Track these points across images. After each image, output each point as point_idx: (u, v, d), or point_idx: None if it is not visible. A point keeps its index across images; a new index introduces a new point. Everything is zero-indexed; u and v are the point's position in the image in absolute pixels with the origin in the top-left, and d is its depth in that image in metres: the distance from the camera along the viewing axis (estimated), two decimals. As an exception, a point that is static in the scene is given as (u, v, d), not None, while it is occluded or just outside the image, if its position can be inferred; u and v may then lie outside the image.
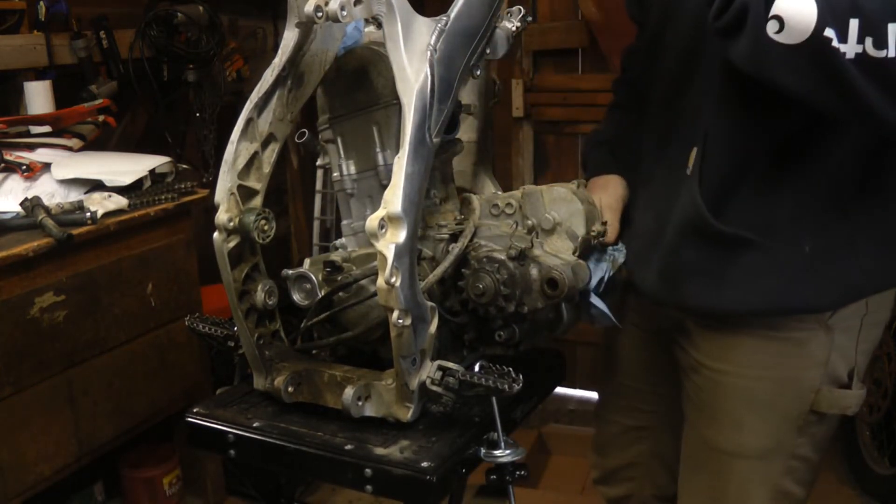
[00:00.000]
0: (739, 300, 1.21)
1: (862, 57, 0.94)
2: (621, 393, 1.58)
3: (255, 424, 1.19)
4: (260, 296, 1.20)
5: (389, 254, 1.01)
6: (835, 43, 0.94)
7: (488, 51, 1.19)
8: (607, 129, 1.55)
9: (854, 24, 0.94)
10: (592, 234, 1.27)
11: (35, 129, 2.25)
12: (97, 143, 2.44)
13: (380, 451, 1.10)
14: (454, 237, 1.24)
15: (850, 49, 0.94)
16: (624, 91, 1.55)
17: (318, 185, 1.54)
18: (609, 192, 1.40)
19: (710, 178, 1.18)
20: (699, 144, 1.20)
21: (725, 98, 1.18)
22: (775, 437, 1.27)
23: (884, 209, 1.20)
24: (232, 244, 1.16)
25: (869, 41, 0.94)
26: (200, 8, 2.70)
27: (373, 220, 1.01)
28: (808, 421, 1.26)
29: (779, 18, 0.95)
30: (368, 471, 1.08)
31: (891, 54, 0.94)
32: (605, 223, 1.31)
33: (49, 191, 2.04)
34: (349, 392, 1.12)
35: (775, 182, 1.18)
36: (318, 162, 1.47)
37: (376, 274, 1.03)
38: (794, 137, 1.16)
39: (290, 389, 1.18)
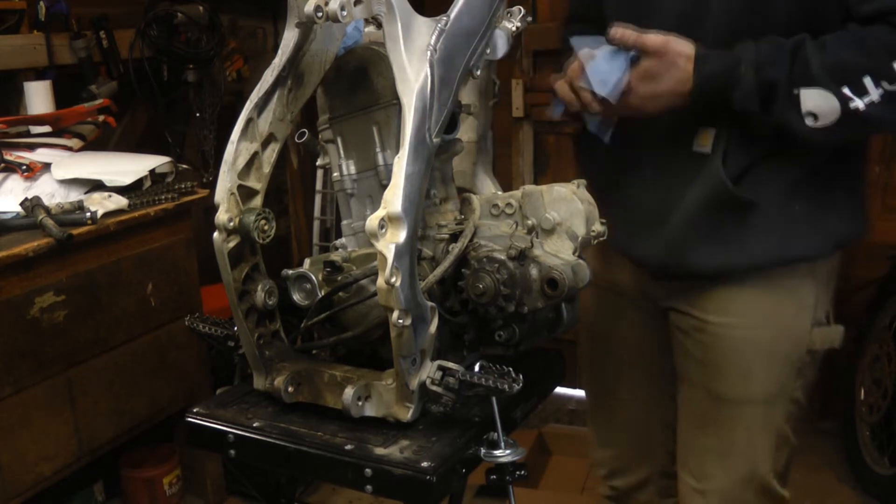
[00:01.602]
0: (746, 257, 1.33)
1: (884, 96, 1.15)
2: (622, 376, 1.61)
3: (255, 424, 1.19)
4: (260, 296, 1.20)
5: (389, 254, 1.01)
6: (855, 104, 1.16)
7: (488, 51, 1.19)
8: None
9: (867, 80, 1.15)
10: (592, 234, 1.26)
11: (35, 129, 2.25)
12: (97, 143, 2.45)
13: (380, 451, 1.10)
14: (454, 237, 1.24)
15: (874, 95, 1.16)
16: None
17: (318, 185, 1.54)
18: None
19: (735, 158, 1.29)
20: (718, 126, 1.29)
21: None
22: (778, 380, 1.40)
23: (853, 173, 1.39)
24: (232, 244, 1.16)
25: (884, 83, 1.15)
26: (200, 8, 2.70)
27: (373, 220, 1.01)
28: (804, 362, 1.40)
29: (812, 114, 1.18)
30: (368, 471, 1.08)
31: None
32: (604, 222, 1.31)
33: (49, 191, 2.04)
34: (349, 392, 1.12)
35: (778, 155, 1.30)
36: (318, 162, 1.47)
37: (376, 274, 1.03)
38: None
39: (290, 389, 1.18)
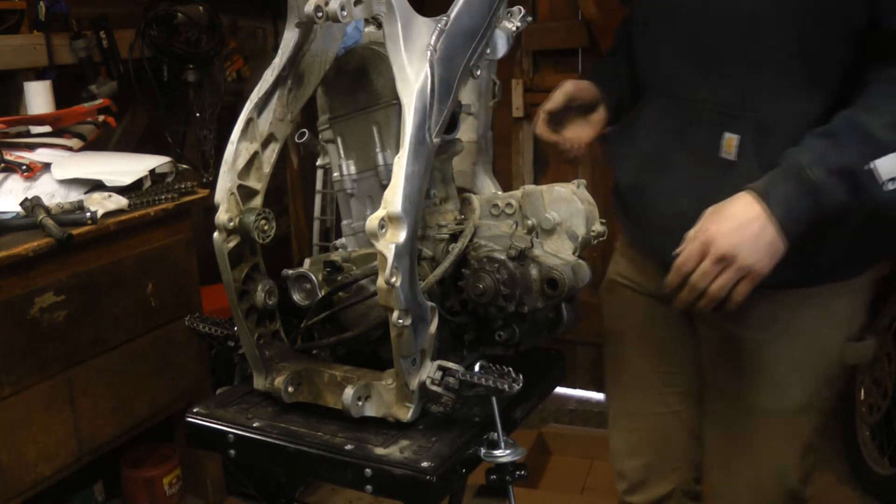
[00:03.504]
0: (787, 276, 1.23)
1: None
2: (651, 382, 1.60)
3: (255, 424, 1.19)
4: (260, 296, 1.20)
5: (389, 254, 1.01)
6: None
7: (488, 51, 1.19)
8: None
9: None
10: (592, 233, 1.26)
11: (35, 129, 2.25)
12: (97, 143, 2.44)
13: (380, 451, 1.10)
14: (454, 237, 1.24)
15: None
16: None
17: (318, 185, 1.54)
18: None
19: (764, 166, 1.22)
20: (743, 132, 1.27)
21: (784, 86, 1.25)
22: (810, 393, 1.40)
23: None
24: (232, 244, 1.16)
25: None
26: (200, 8, 2.70)
27: (373, 220, 1.01)
28: (835, 374, 1.40)
29: (892, 179, 1.13)
30: (368, 471, 1.08)
31: None
32: (604, 222, 1.31)
33: (49, 191, 2.04)
34: (349, 392, 1.12)
35: None
36: (318, 162, 1.47)
37: (376, 274, 1.03)
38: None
39: (290, 389, 1.19)
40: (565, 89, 1.51)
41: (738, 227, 1.15)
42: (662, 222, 1.39)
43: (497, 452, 1.13)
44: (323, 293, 1.25)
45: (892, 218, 1.27)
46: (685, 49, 1.34)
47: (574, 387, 3.21)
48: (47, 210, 1.91)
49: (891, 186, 1.13)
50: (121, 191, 2.11)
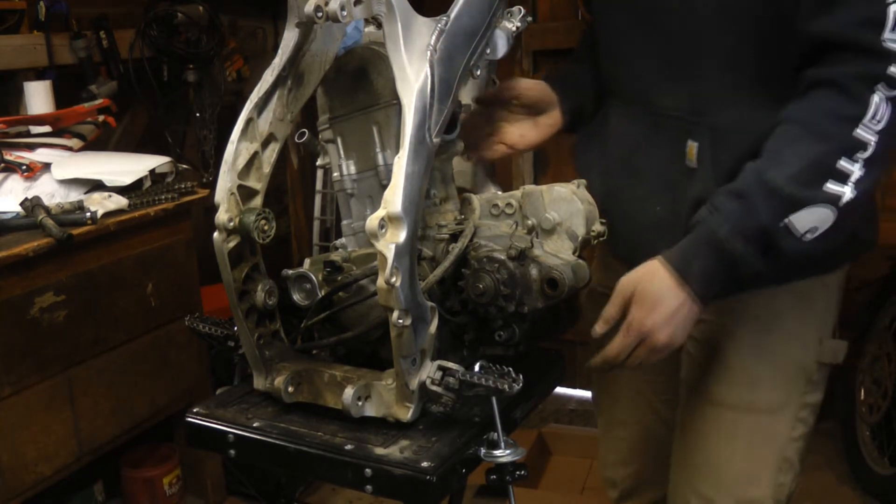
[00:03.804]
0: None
1: (866, 164, 1.08)
2: (636, 388, 1.58)
3: (255, 424, 1.19)
4: (260, 296, 1.20)
5: (389, 254, 1.01)
6: (845, 196, 1.08)
7: (488, 51, 1.19)
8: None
9: (842, 163, 1.08)
10: (592, 233, 1.27)
11: (35, 129, 2.25)
12: (97, 143, 2.45)
13: (380, 451, 1.10)
14: (454, 237, 1.24)
15: (857, 172, 1.08)
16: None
17: (318, 185, 1.54)
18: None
19: (724, 172, 1.21)
20: (701, 139, 1.25)
21: (732, 93, 1.23)
22: (785, 389, 1.33)
23: None
24: (232, 244, 1.16)
25: (859, 154, 1.08)
26: (200, 8, 2.70)
27: (373, 220, 1.01)
28: (813, 373, 1.33)
29: (809, 231, 1.10)
30: (368, 471, 1.08)
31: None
32: (604, 222, 1.31)
33: (49, 191, 2.04)
34: (349, 392, 1.12)
35: None
36: (318, 162, 1.47)
37: (376, 274, 1.03)
38: None
39: (290, 389, 1.18)
40: (507, 83, 1.45)
41: (670, 316, 1.16)
42: (636, 228, 1.37)
43: (497, 452, 1.13)
44: (323, 293, 1.25)
45: (866, 214, 1.27)
46: (647, 56, 1.31)
47: (574, 387, 3.20)
48: (47, 210, 1.91)
49: (809, 237, 1.11)
50: (121, 191, 2.11)
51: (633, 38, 1.32)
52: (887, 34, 1.05)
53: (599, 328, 1.22)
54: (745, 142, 1.20)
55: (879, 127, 1.07)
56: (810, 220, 1.10)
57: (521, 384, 1.08)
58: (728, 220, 1.13)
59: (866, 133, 1.07)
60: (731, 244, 1.12)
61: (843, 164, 1.08)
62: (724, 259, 1.14)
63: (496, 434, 1.14)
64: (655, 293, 1.16)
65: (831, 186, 1.08)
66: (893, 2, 1.05)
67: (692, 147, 1.26)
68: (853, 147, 1.07)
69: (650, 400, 1.58)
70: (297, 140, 1.40)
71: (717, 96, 1.24)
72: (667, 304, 1.16)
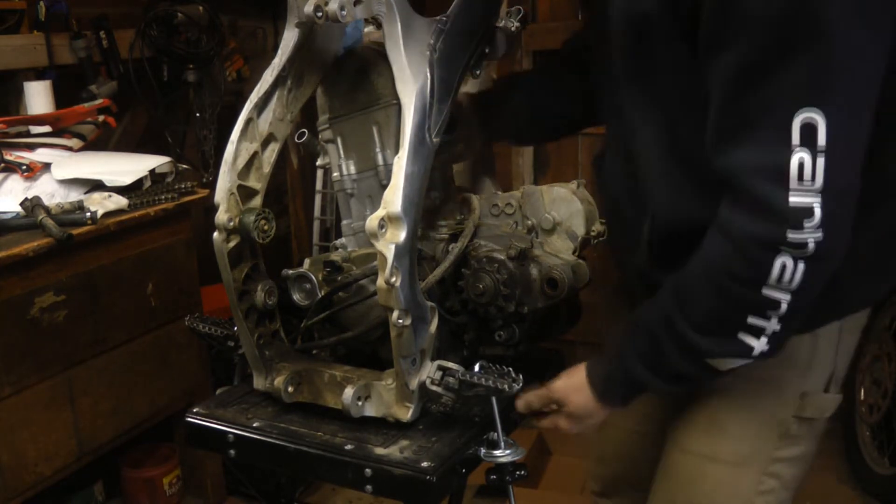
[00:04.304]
0: None
1: (783, 319, 1.03)
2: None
3: (255, 424, 1.19)
4: (260, 296, 1.20)
5: (389, 254, 1.01)
6: (758, 349, 1.05)
7: (488, 51, 1.19)
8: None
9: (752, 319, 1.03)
10: (592, 233, 1.27)
11: (35, 129, 2.25)
12: (97, 143, 2.44)
13: (380, 451, 1.10)
14: (454, 237, 1.24)
15: (773, 325, 1.03)
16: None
17: (318, 185, 1.54)
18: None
19: (654, 247, 1.17)
20: (648, 219, 1.17)
21: (664, 177, 1.14)
22: (753, 442, 1.24)
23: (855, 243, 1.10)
24: (232, 244, 1.16)
25: (770, 312, 1.02)
26: (200, 8, 2.70)
27: (373, 220, 1.01)
28: (790, 427, 1.23)
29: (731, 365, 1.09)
30: (368, 471, 1.08)
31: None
32: (604, 222, 1.31)
33: (49, 191, 2.04)
34: (349, 392, 1.12)
35: None
36: (318, 162, 1.47)
37: (376, 274, 1.03)
38: None
39: (290, 389, 1.18)
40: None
41: (586, 418, 1.22)
42: (620, 244, 1.30)
43: (497, 452, 1.13)
44: (323, 293, 1.25)
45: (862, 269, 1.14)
46: (611, 117, 1.24)
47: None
48: (47, 210, 1.91)
49: (730, 365, 1.09)
50: (121, 191, 2.11)
51: (605, 92, 1.23)
52: (792, 187, 0.94)
53: (522, 409, 1.26)
54: (676, 225, 1.13)
55: (793, 287, 0.99)
56: (726, 363, 1.09)
57: (521, 384, 1.08)
58: (641, 360, 1.12)
59: (776, 293, 1.00)
60: (648, 379, 1.13)
61: (754, 321, 1.02)
62: (644, 387, 1.16)
63: (496, 434, 1.14)
64: (581, 409, 1.22)
65: (744, 338, 1.04)
66: (798, 149, 0.93)
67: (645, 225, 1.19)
68: (762, 305, 1.01)
69: (637, 409, 1.55)
70: (297, 140, 1.40)
71: (651, 180, 1.16)
72: (590, 419, 1.23)
